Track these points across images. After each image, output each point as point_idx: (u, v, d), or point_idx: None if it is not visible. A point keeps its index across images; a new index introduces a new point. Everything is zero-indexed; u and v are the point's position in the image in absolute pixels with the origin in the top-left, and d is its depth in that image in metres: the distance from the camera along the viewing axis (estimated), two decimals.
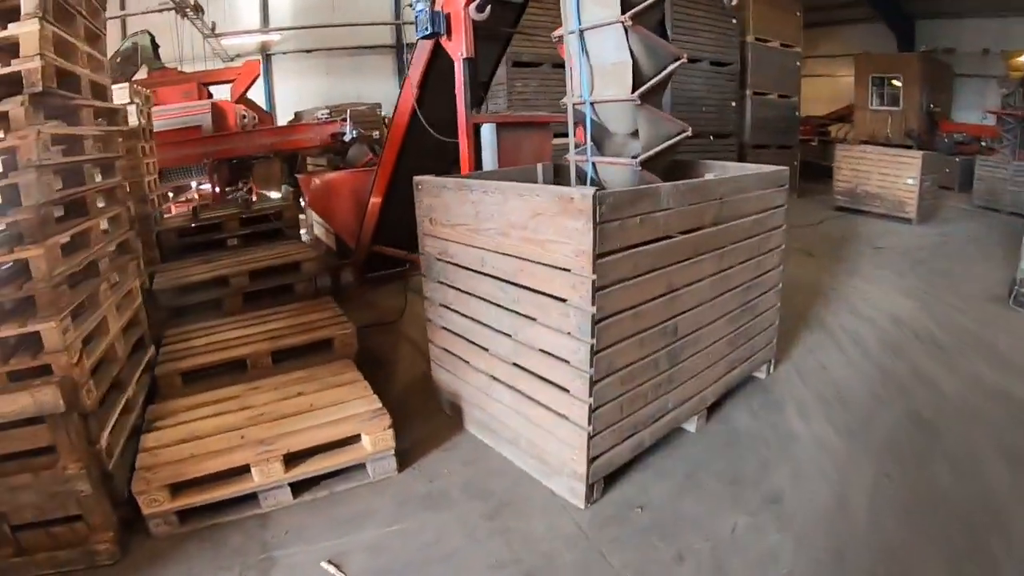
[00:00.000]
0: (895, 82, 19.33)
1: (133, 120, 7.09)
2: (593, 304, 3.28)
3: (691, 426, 4.44)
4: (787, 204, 4.96)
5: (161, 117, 10.62)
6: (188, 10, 17.04)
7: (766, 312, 4.99)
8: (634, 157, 4.34)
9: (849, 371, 5.49)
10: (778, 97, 14.48)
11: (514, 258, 3.74)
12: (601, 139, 4.78)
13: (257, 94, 21.34)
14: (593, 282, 3.26)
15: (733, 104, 13.46)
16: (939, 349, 5.96)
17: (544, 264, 3.53)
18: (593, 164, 4.71)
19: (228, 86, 15.70)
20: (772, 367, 5.36)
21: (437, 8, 5.88)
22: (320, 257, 6.97)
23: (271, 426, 3.99)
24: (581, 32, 4.50)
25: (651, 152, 4.30)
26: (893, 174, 12.12)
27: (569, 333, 3.44)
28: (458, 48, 5.83)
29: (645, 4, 4.23)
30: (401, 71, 22.24)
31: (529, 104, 12.62)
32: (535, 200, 3.49)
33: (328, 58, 22.85)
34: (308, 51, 22.66)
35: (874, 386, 5.21)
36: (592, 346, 3.35)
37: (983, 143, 17.13)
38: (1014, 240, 9.20)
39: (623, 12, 4.17)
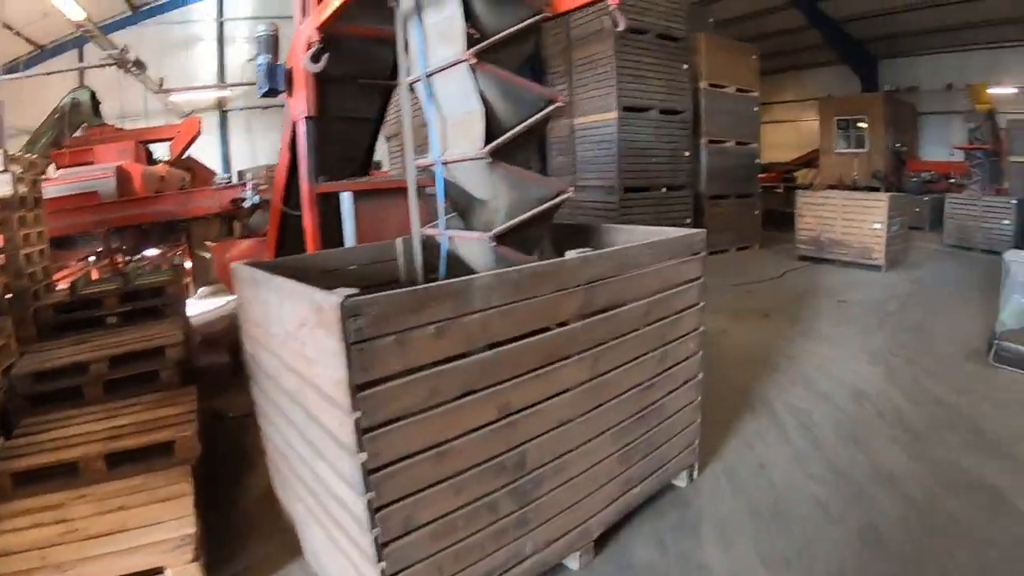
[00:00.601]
0: (860, 124, 18.77)
1: (7, 190, 6.23)
2: (361, 449, 2.31)
3: (573, 563, 3.37)
4: (704, 275, 3.97)
5: (58, 182, 9.77)
6: (131, 66, 16.39)
7: (681, 411, 3.93)
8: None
9: (793, 470, 4.42)
10: (736, 144, 13.58)
11: (295, 375, 2.76)
12: (468, 207, 3.79)
13: (212, 151, 20.79)
14: (357, 421, 2.27)
15: (686, 154, 12.54)
16: (908, 433, 4.91)
17: (315, 388, 2.54)
18: (450, 239, 3.73)
19: (168, 143, 15.12)
20: (695, 472, 4.29)
21: (279, 61, 5.01)
22: (186, 343, 5.96)
23: (78, 547, 3.28)
24: (428, 77, 3.57)
25: (510, 224, 3.33)
26: (858, 219, 11.27)
27: (347, 480, 2.45)
28: (298, 106, 4.95)
29: (497, 38, 3.29)
30: None
31: None
32: (298, 304, 2.52)
33: (283, 114, 21.76)
34: (263, 108, 21.88)
35: (822, 491, 4.14)
36: (370, 501, 2.35)
37: (952, 180, 16.65)
38: (989, 281, 8.36)
39: (468, 48, 3.23)
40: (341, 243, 5.01)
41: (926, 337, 7.30)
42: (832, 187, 16.71)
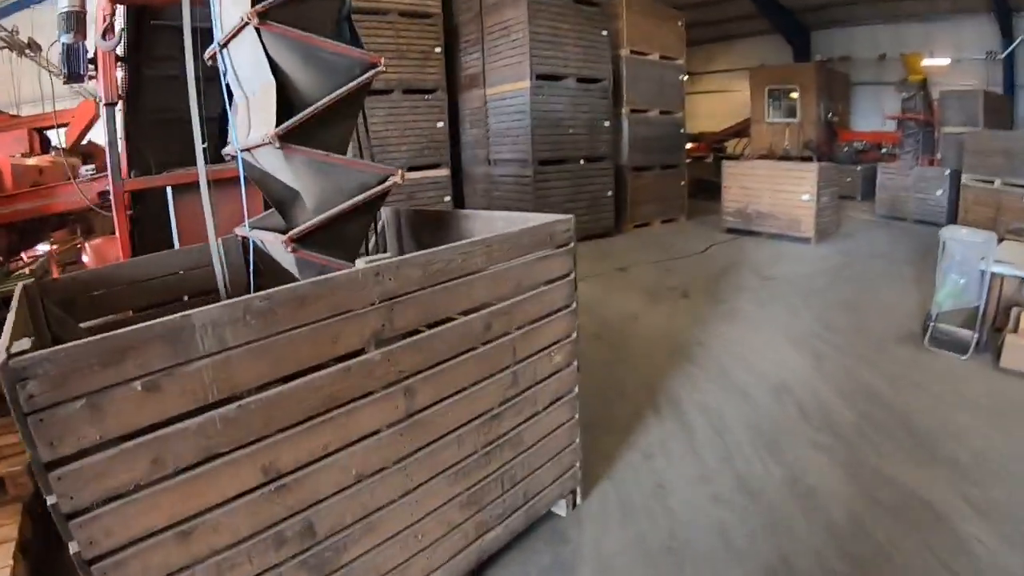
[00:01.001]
0: (792, 94, 18.41)
1: None
2: (70, 538, 1.74)
3: None
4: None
5: None
6: (24, 48, 15.21)
7: (552, 435, 3.32)
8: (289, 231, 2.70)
9: (696, 491, 3.83)
10: (659, 114, 12.97)
11: None
12: (285, 202, 3.11)
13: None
14: (56, 507, 1.70)
15: (606, 124, 11.92)
16: (834, 436, 4.37)
17: None
18: (259, 241, 3.08)
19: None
20: (578, 497, 3.68)
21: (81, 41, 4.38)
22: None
23: None
24: (222, 47, 2.90)
25: (309, 224, 2.68)
26: (787, 190, 10.85)
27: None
28: (99, 92, 4.31)
29: None
30: None
31: (379, 137, 11.20)
32: None
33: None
34: None
35: (728, 517, 3.56)
36: None
37: (884, 150, 16.45)
38: (923, 254, 7.97)
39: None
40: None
41: (857, 317, 6.82)
42: (763, 157, 16.27)
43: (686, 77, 13.88)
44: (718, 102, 22.52)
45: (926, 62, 15.56)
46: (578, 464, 3.58)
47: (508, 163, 11.61)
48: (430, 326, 2.60)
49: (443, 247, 2.60)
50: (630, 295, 7.94)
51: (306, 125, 2.64)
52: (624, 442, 4.38)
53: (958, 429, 4.37)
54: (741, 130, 20.25)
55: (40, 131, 13.69)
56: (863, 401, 4.86)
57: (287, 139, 2.58)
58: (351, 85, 2.75)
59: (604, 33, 11.67)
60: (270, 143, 2.56)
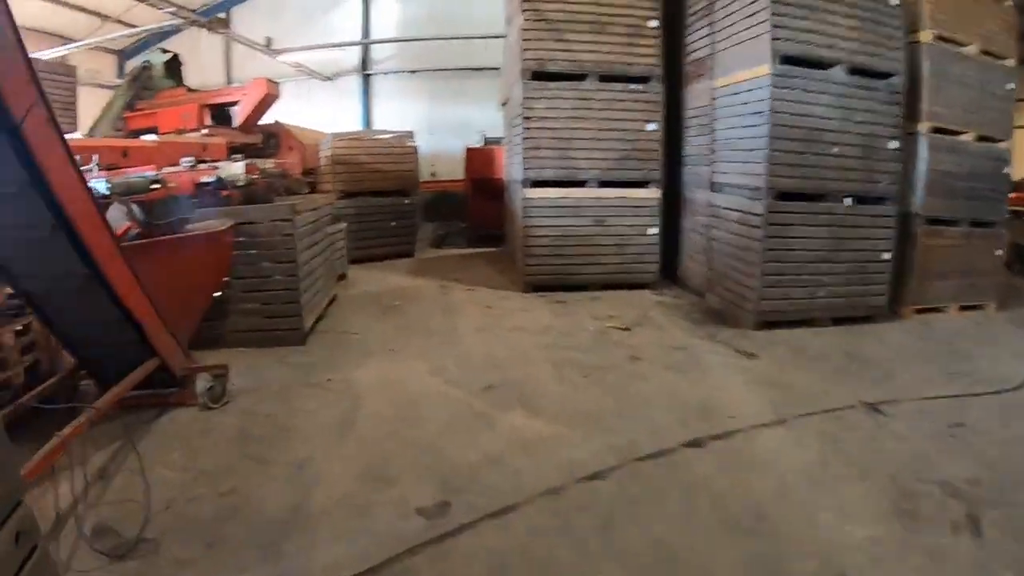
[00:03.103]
0: None
1: None
2: None
3: None
4: None
5: None
6: (208, 24, 14.96)
7: None
8: None
9: None
10: (975, 140, 7.84)
11: None
12: None
13: (353, 116, 19.70)
14: None
15: (892, 146, 7.12)
16: None
17: None
18: None
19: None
20: None
21: None
22: None
23: None
24: None
25: None
26: None
27: None
28: None
29: None
30: None
31: (557, 136, 7.95)
32: None
33: (432, 80, 19.47)
34: (411, 71, 19.64)
35: None
36: None
37: None
38: None
39: None
40: None
41: None
42: None
43: (1015, 96, 8.84)
44: None
45: None
46: None
47: (733, 190, 7.42)
48: None
49: None
50: (863, 491, 3.70)
51: None
52: None
53: None
54: None
55: (214, 107, 12.29)
56: None
57: None
58: None
59: (894, 3, 7.04)
60: None
